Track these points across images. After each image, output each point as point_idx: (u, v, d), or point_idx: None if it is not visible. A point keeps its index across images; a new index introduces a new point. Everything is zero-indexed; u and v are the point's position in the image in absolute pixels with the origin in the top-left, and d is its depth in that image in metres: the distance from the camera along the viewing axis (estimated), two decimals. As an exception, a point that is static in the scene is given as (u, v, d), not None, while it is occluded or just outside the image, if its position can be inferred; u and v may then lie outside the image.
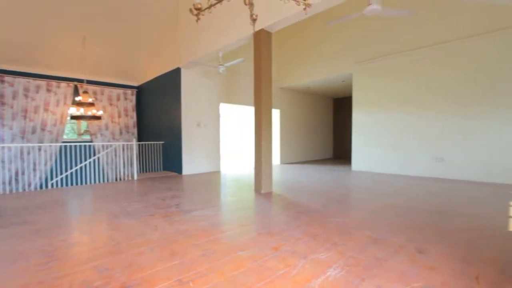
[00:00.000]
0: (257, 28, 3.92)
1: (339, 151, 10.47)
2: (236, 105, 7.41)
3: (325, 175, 5.78)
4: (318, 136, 10.01)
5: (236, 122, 11.18)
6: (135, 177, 5.59)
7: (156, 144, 6.78)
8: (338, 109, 10.61)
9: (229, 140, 11.04)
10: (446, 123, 5.13)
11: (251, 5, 2.14)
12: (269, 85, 4.10)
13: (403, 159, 5.72)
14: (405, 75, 5.65)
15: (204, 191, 4.14)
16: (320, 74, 7.29)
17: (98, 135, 7.05)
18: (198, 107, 6.39)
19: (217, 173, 6.43)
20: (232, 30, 4.48)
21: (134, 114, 7.76)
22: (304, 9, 2.89)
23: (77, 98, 5.95)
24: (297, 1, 2.34)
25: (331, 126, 10.77)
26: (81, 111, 5.78)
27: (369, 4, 3.09)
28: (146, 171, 6.75)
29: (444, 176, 5.16)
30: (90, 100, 6.00)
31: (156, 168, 6.73)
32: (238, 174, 6.23)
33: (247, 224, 2.54)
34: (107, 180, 6.67)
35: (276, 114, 8.27)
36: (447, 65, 5.08)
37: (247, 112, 9.52)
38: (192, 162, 6.27)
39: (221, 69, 5.35)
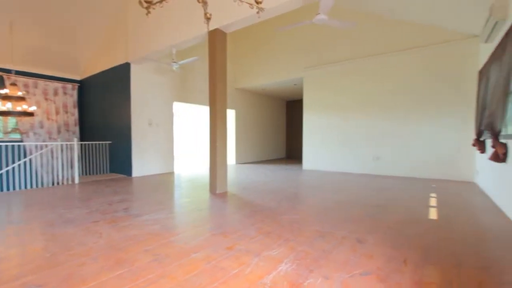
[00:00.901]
0: (212, 28, 3.88)
1: (292, 151, 10.94)
2: (191, 105, 7.22)
3: (278, 174, 5.99)
4: (272, 137, 10.32)
5: (191, 121, 10.89)
6: (77, 180, 5.07)
7: (102, 144, 6.24)
8: (290, 111, 11.08)
9: (184, 140, 10.70)
10: (382, 126, 5.74)
11: (204, 3, 2.12)
12: (224, 85, 4.09)
13: (348, 158, 6.23)
14: (349, 81, 6.17)
15: (156, 194, 3.95)
16: (274, 77, 7.53)
17: (31, 134, 6.21)
18: (150, 105, 6.07)
19: (170, 174, 6.19)
20: (186, 27, 4.35)
21: (76, 111, 7.01)
22: (257, 12, 2.97)
23: (3, 91, 5.14)
24: (251, 5, 2.39)
25: (284, 127, 11.20)
26: (8, 106, 5.02)
27: (317, 14, 3.30)
28: (90, 174, 6.16)
29: (381, 173, 5.77)
30: (19, 93, 5.24)
31: (101, 171, 6.19)
32: (192, 174, 6.09)
33: (201, 225, 2.50)
34: (42, 185, 5.92)
35: (231, 114, 8.29)
36: (383, 74, 5.70)
37: (202, 112, 9.35)
38: (143, 163, 5.92)
39: (175, 66, 5.17)
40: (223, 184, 4.06)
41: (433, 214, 2.87)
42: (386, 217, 2.77)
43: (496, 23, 2.99)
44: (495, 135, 2.74)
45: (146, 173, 5.97)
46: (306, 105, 6.96)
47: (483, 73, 3.83)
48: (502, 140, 2.81)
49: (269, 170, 6.87)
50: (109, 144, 6.23)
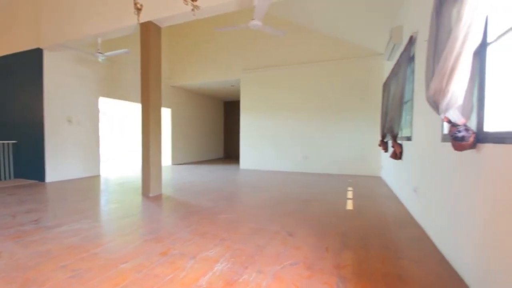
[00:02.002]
0: (144, 20, 3.64)
1: (230, 151, 11.06)
2: (121, 101, 6.58)
3: (216, 174, 6.00)
4: (210, 137, 10.23)
5: (121, 120, 9.90)
6: (-38, 189, 4.07)
7: (3, 144, 5.16)
8: (228, 112, 11.17)
9: (114, 140, 9.65)
10: (309, 128, 6.34)
11: (135, -5, 1.99)
12: (158, 82, 3.89)
13: (281, 157, 6.66)
14: (281, 86, 6.60)
15: (76, 201, 3.49)
16: (212, 77, 7.49)
17: None
18: (70, 99, 5.29)
19: (96, 177, 5.53)
20: (113, 15, 3.96)
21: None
22: (192, 10, 2.93)
23: None
24: (185, 1, 2.35)
25: (222, 127, 11.23)
26: None
27: (252, 19, 3.43)
28: (-18, 181, 5.02)
29: (309, 170, 6.36)
30: None
31: (2, 176, 5.12)
32: (123, 177, 5.57)
33: (131, 232, 2.34)
34: None
35: (167, 113, 7.88)
36: (309, 81, 6.30)
37: (134, 110, 8.62)
38: (60, 166, 5.13)
39: (101, 58, 4.64)
40: (157, 186, 3.85)
41: (349, 205, 3.32)
42: (312, 210, 3.08)
43: (394, 45, 3.65)
44: (394, 137, 3.35)
45: (64, 177, 5.20)
46: (243, 106, 7.13)
47: (386, 86, 4.62)
48: (399, 141, 3.45)
49: (206, 170, 6.80)
50: (14, 144, 5.20)
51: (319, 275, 1.60)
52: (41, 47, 4.80)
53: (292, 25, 6.23)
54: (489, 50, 1.47)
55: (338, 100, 6.02)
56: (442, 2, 1.68)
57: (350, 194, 3.94)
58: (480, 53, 1.48)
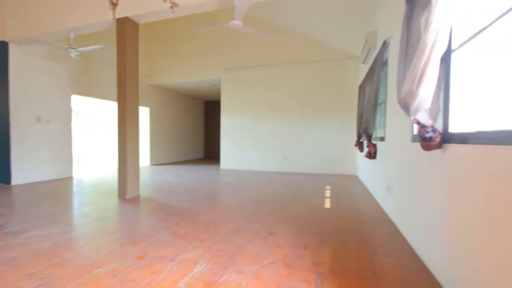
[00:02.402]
0: (120, 15, 3.52)
1: (210, 151, 10.95)
2: (97, 99, 6.30)
3: (196, 175, 5.92)
4: (190, 137, 10.07)
5: (96, 118, 9.45)
6: None
7: (-42, 144, 4.75)
8: (208, 111, 11.06)
9: (87, 139, 9.20)
10: (288, 128, 6.43)
11: (110, -11, 1.92)
12: (136, 80, 3.77)
13: (262, 157, 6.70)
14: (262, 86, 6.64)
15: (46, 204, 3.29)
16: (192, 76, 7.37)
17: None
18: (39, 97, 4.98)
19: (68, 179, 5.26)
20: (86, 9, 3.78)
21: None
22: (171, 7, 2.88)
23: None
24: (165, -1, 2.30)
25: (203, 127, 11.10)
26: None
27: (232, 19, 3.43)
28: None
29: (288, 170, 6.45)
30: None
31: (-43, 179, 4.71)
32: (98, 179, 5.34)
33: (106, 235, 2.25)
34: None
35: (145, 112, 7.66)
36: (288, 82, 6.40)
37: (111, 108, 8.29)
38: (28, 168, 4.82)
39: (73, 53, 4.41)
40: (134, 188, 3.73)
41: (327, 203, 3.42)
42: (292, 209, 3.13)
43: (369, 49, 3.80)
44: (369, 138, 3.49)
45: (32, 179, 4.88)
46: (223, 106, 7.09)
47: (361, 88, 4.80)
48: (373, 142, 3.60)
49: (186, 170, 6.68)
50: (-29, 144, 4.80)
51: (298, 272, 1.64)
52: (6, 40, 4.48)
53: (272, 26, 6.28)
54: (453, 56, 1.57)
55: (317, 101, 6.16)
56: (413, 10, 1.78)
57: (328, 193, 4.05)
58: (445, 59, 1.58)
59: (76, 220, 2.71)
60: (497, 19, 1.20)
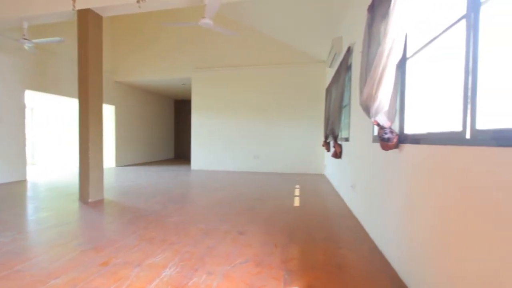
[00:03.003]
0: (82, 7, 3.29)
1: (181, 152, 10.67)
2: (54, 96, 5.81)
3: (165, 176, 5.74)
4: (159, 137, 9.72)
5: (55, 116, 8.66)
6: None
7: None
8: (179, 111, 10.77)
9: (44, 139, 8.41)
10: (259, 129, 6.50)
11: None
12: (99, 76, 3.56)
13: (233, 157, 6.70)
14: (233, 86, 6.64)
15: (-9, 211, 2.97)
16: (161, 74, 7.11)
17: None
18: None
19: (22, 182, 4.79)
20: (42, -2, 3.49)
21: None
22: (138, 1, 2.77)
23: None
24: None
25: (173, 126, 10.78)
26: None
27: (203, 17, 3.39)
28: None
29: (259, 170, 6.51)
30: None
31: None
32: (56, 181, 4.93)
33: (66, 242, 2.10)
34: None
35: (110, 110, 7.23)
36: (259, 83, 6.48)
37: (72, 106, 7.68)
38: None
39: (27, 45, 4.03)
40: (97, 191, 3.52)
41: (296, 202, 3.52)
42: (262, 208, 3.18)
43: (335, 54, 3.99)
44: (335, 138, 3.66)
45: (-27, 184, 4.37)
46: (194, 106, 6.96)
47: (328, 91, 5.01)
48: (339, 142, 3.79)
49: (155, 171, 6.44)
50: None
51: (268, 270, 1.67)
52: None
53: (244, 27, 6.30)
54: (409, 63, 1.72)
55: (287, 103, 6.31)
56: (373, 19, 1.91)
57: (297, 192, 4.17)
58: (401, 66, 1.72)
59: (31, 227, 2.49)
60: (444, 31, 1.34)
